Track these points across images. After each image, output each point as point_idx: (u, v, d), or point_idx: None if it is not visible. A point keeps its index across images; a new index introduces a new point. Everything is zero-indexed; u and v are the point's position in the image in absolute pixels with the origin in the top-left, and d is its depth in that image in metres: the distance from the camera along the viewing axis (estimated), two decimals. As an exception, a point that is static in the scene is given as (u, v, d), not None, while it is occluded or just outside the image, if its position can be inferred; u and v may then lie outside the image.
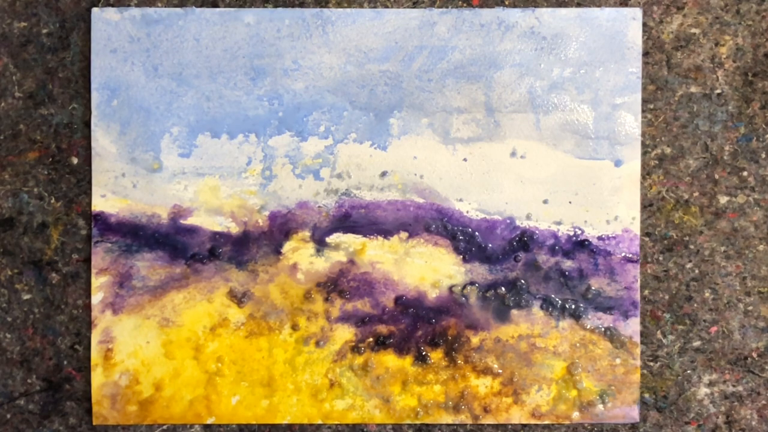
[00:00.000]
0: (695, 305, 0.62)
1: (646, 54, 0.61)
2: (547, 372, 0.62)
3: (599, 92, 0.61)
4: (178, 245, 0.62)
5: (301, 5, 0.61)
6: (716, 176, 0.61)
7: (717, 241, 0.61)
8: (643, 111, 0.61)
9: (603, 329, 0.62)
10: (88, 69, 0.61)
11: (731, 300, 0.61)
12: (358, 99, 0.61)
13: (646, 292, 0.62)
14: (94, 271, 0.62)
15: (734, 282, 0.61)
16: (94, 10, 0.61)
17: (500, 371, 0.62)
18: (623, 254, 0.62)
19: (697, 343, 0.62)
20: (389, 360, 0.62)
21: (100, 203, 0.61)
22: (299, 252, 0.62)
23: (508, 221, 0.62)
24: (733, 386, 0.62)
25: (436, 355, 0.62)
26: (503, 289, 0.62)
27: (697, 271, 0.62)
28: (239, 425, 0.62)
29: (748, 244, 0.61)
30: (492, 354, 0.62)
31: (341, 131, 0.62)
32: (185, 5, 0.61)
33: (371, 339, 0.62)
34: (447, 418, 0.62)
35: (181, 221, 0.62)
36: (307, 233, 0.62)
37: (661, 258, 0.62)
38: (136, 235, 0.62)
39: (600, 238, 0.62)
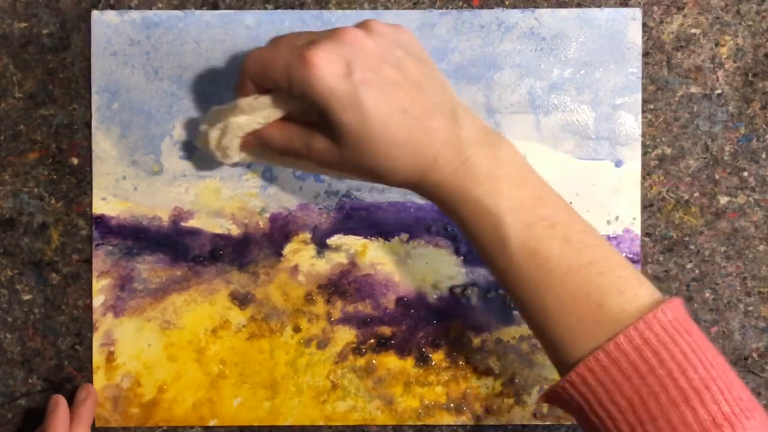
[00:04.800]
0: (695, 305, 0.62)
1: (646, 54, 0.61)
2: (549, 373, 0.62)
3: (599, 93, 0.61)
4: (179, 248, 0.62)
5: (301, 6, 0.61)
6: (716, 177, 0.61)
7: (717, 241, 0.62)
8: (643, 111, 0.61)
9: (604, 330, 0.62)
10: (88, 69, 0.61)
11: (731, 300, 0.62)
12: (359, 100, 0.61)
13: (647, 292, 0.62)
14: (95, 273, 0.62)
15: (734, 282, 0.62)
16: (94, 13, 0.61)
17: (501, 372, 0.62)
18: (624, 254, 0.62)
19: (697, 343, 0.62)
20: (391, 361, 0.62)
21: (100, 206, 0.61)
22: (300, 254, 0.62)
23: (509, 222, 0.62)
24: (734, 386, 0.62)
25: (437, 357, 0.62)
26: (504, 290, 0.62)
27: (697, 272, 0.62)
28: (241, 427, 0.62)
29: (749, 245, 0.62)
30: (493, 355, 0.62)
31: (342, 133, 0.62)
32: (185, 7, 0.61)
33: (373, 340, 0.62)
34: (449, 419, 0.62)
35: (182, 224, 0.62)
36: (307, 235, 0.62)
37: (661, 258, 0.62)
38: (137, 238, 0.62)
39: (600, 238, 0.62)
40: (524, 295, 0.47)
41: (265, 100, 0.51)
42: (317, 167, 0.52)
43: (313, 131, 0.50)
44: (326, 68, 0.46)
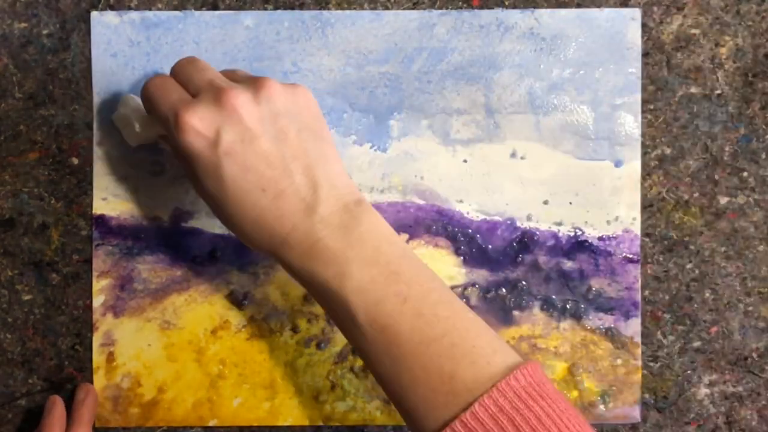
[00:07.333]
0: (695, 305, 0.62)
1: (645, 54, 0.61)
2: (549, 373, 0.62)
3: (599, 93, 0.61)
4: (179, 248, 0.62)
5: (301, 6, 0.61)
6: (716, 177, 0.61)
7: (717, 241, 0.62)
8: (643, 111, 0.61)
9: (604, 330, 0.62)
10: (88, 70, 0.61)
11: (731, 300, 0.62)
12: (358, 101, 0.61)
13: (647, 292, 0.62)
14: (95, 274, 0.62)
15: (734, 282, 0.61)
16: (94, 14, 0.61)
17: (501, 372, 0.62)
18: (624, 255, 0.62)
19: (697, 344, 0.62)
20: (390, 361, 0.62)
21: (101, 206, 0.62)
22: (300, 254, 0.62)
23: (509, 222, 0.62)
24: (733, 387, 0.62)
25: (436, 357, 0.62)
26: (504, 290, 0.62)
27: (697, 272, 0.62)
28: (241, 427, 0.62)
29: (748, 245, 0.61)
30: (493, 355, 0.62)
31: (341, 133, 0.62)
32: (185, 8, 0.61)
33: (372, 341, 0.62)
34: (448, 420, 0.62)
35: (182, 224, 0.62)
36: (307, 235, 0.62)
37: (661, 258, 0.62)
38: (137, 238, 0.62)
39: (600, 238, 0.62)
40: (379, 369, 0.47)
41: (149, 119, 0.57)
42: None
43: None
44: (195, 134, 0.47)
